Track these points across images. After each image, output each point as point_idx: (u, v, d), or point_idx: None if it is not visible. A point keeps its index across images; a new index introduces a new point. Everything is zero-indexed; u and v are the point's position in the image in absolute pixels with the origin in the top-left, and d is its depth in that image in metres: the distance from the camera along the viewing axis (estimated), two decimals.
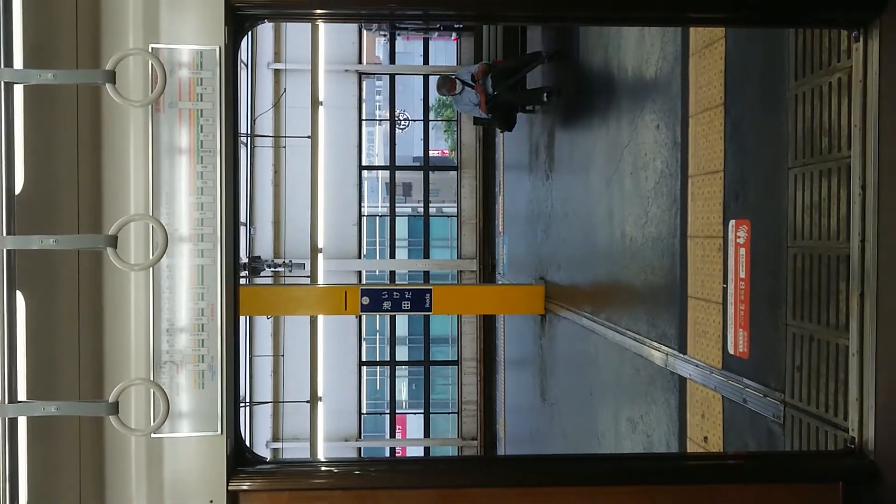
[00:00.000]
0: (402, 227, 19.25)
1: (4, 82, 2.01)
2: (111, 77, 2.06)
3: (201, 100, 2.39)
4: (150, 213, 2.35)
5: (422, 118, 14.60)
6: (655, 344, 4.94)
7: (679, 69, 4.57)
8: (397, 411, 15.07)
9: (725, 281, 3.91)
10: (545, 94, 7.60)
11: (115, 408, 2.06)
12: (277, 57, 12.70)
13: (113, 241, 2.04)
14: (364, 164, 13.49)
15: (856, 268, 2.68)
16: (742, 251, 3.75)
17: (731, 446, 3.89)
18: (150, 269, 2.34)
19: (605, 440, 6.14)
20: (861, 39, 2.63)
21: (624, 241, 5.57)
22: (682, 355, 4.49)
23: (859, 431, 2.63)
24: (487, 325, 12.86)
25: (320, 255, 10.11)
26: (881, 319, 2.57)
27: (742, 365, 3.79)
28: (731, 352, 3.88)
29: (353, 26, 12.82)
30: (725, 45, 3.98)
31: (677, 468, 2.63)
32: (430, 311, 8.52)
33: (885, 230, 2.56)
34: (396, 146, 14.48)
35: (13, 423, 2.03)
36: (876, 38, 2.58)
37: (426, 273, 13.67)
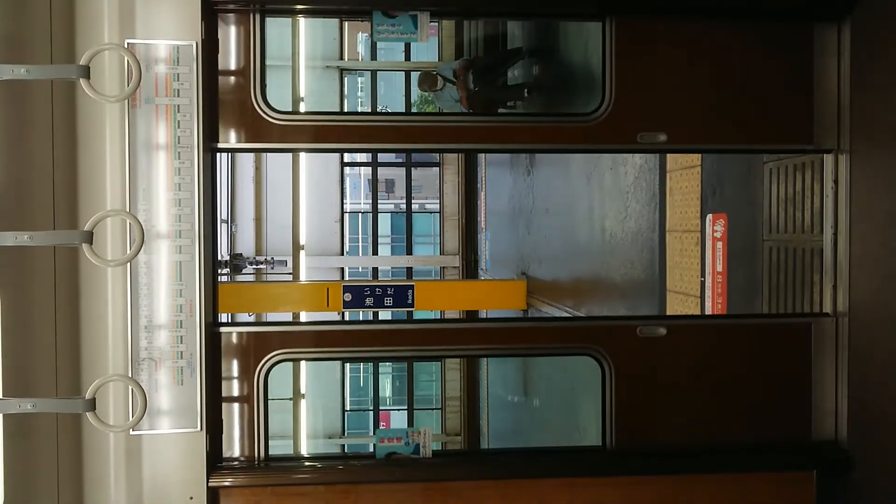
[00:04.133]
0: (384, 223, 19.22)
1: None
2: (85, 72, 2.04)
3: (178, 95, 2.38)
4: (128, 210, 2.34)
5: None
6: None
7: None
8: (381, 408, 15.07)
9: (703, 274, 3.96)
10: (526, 91, 7.62)
11: (92, 404, 2.05)
12: None
13: (88, 238, 2.03)
14: (346, 160, 13.44)
15: (829, 260, 2.73)
16: (719, 245, 3.80)
17: None
18: (128, 265, 2.33)
19: (586, 434, 6.18)
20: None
21: (604, 236, 5.61)
22: None
23: (834, 423, 2.68)
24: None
25: (302, 252, 10.07)
26: (853, 310, 2.62)
27: None
28: None
29: (334, 22, 12.75)
30: None
31: (658, 460, 2.66)
32: (413, 307, 8.50)
33: (857, 223, 2.61)
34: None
35: None
36: (847, 36, 2.63)
37: (409, 269, 13.66)
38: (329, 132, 2.59)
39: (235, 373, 2.63)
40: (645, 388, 2.65)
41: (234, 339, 2.62)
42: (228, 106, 2.56)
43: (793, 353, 2.67)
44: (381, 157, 14.51)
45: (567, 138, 2.64)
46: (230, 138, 2.56)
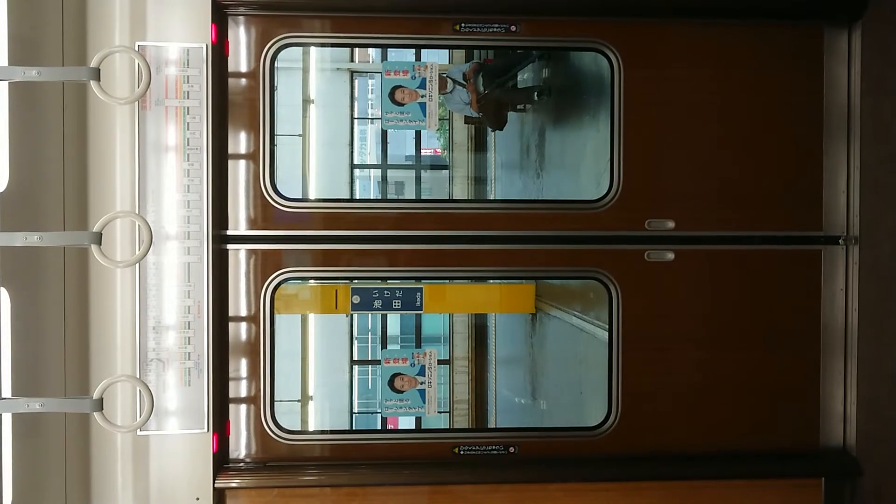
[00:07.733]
0: None
1: None
2: (96, 74, 2.06)
3: (188, 97, 2.40)
4: (137, 211, 2.36)
5: None
6: None
7: None
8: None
9: None
10: (536, 93, 7.60)
11: (99, 404, 2.06)
12: None
13: (97, 238, 2.04)
14: (356, 162, 13.45)
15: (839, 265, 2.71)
16: None
17: None
18: (137, 266, 2.35)
19: None
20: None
21: None
22: None
23: (842, 429, 2.66)
24: (479, 324, 12.84)
25: None
26: (862, 318, 2.60)
27: None
28: None
29: None
30: None
31: (663, 465, 2.65)
32: (421, 310, 8.49)
33: (867, 229, 2.59)
34: (388, 145, 14.44)
35: None
36: (858, 40, 2.62)
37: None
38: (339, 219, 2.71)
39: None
40: (652, 313, 2.65)
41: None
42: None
43: (801, 280, 2.67)
44: (391, 160, 14.50)
45: (574, 225, 2.67)
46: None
